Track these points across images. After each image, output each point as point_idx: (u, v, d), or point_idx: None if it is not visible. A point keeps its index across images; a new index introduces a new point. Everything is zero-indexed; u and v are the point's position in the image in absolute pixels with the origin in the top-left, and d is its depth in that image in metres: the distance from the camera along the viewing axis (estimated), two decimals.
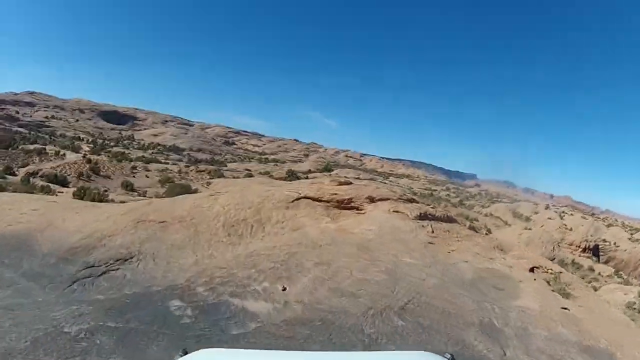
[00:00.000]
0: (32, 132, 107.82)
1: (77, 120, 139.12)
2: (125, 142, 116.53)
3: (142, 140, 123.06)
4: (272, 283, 11.32)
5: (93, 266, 12.06)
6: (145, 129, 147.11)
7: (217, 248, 14.00)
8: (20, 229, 14.92)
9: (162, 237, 14.17)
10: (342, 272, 12.57)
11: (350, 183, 22.18)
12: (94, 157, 71.09)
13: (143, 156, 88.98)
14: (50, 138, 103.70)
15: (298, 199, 18.65)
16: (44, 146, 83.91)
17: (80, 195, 32.88)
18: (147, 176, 65.82)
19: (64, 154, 74.25)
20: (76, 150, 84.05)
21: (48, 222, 15.47)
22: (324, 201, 18.93)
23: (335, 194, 19.52)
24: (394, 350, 7.64)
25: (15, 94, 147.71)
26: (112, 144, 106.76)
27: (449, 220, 20.58)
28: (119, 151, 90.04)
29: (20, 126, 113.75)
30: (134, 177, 62.63)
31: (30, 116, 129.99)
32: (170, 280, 11.50)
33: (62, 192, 36.65)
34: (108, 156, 78.88)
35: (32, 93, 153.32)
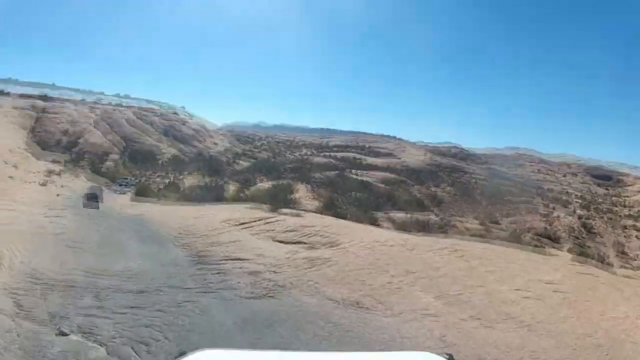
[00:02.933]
0: (517, 186, 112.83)
1: (564, 176, 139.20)
2: (612, 199, 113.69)
3: (629, 198, 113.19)
4: None
5: None
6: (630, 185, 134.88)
7: None
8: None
9: None
10: None
11: None
12: (584, 214, 74.78)
13: (630, 214, 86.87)
14: (537, 192, 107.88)
15: None
16: (530, 199, 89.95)
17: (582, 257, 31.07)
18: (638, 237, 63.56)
19: (553, 209, 78.60)
20: (565, 206, 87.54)
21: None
22: None
23: None
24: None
25: (497, 149, 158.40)
26: (599, 200, 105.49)
27: None
28: (607, 209, 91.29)
29: (503, 179, 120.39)
30: (625, 238, 61.18)
31: (515, 170, 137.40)
32: None
33: (554, 251, 34.68)
34: (597, 214, 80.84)
35: (514, 148, 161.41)
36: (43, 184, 50.27)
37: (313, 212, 39.08)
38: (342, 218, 34.72)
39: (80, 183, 57.01)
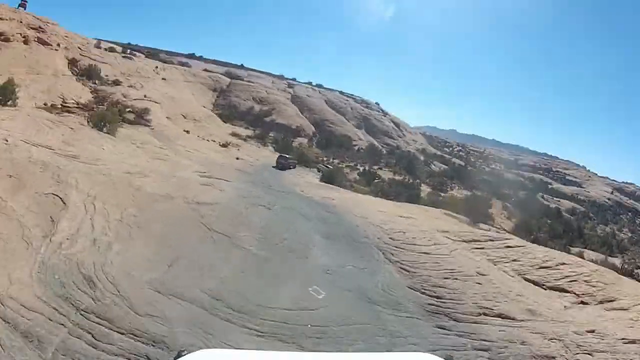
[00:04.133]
0: None
1: None
2: None
3: None
4: None
5: None
6: None
7: None
8: None
9: None
10: None
11: None
12: None
13: None
14: None
15: None
16: None
17: None
18: None
19: None
20: None
21: None
22: None
23: None
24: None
25: None
26: None
27: None
28: None
29: None
30: None
31: None
32: None
33: None
34: None
35: None
36: (224, 145, 44.05)
37: (508, 231, 34.50)
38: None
39: (265, 154, 50.12)
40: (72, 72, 41.20)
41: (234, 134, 52.75)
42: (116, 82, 44.75)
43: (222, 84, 77.57)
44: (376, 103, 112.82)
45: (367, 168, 58.34)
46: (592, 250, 46.48)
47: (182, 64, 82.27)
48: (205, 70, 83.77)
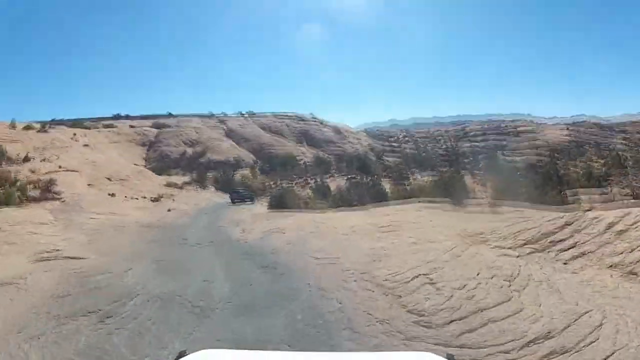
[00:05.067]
0: None
1: None
2: None
3: None
4: None
5: None
6: None
7: None
8: None
9: None
10: None
11: None
12: None
13: None
14: None
15: None
16: None
17: None
18: None
19: None
20: None
21: None
22: None
23: None
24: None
25: (632, 115, 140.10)
26: None
27: None
28: None
29: None
30: None
31: None
32: None
33: None
34: None
35: None
36: (156, 199, 39.54)
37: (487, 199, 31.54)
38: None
39: (206, 196, 45.70)
40: None
41: (169, 184, 47.80)
42: (26, 159, 39.82)
43: (150, 136, 73.05)
44: (310, 114, 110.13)
45: (318, 180, 54.55)
46: (583, 188, 43.50)
47: (107, 126, 76.77)
48: (131, 126, 78.56)
